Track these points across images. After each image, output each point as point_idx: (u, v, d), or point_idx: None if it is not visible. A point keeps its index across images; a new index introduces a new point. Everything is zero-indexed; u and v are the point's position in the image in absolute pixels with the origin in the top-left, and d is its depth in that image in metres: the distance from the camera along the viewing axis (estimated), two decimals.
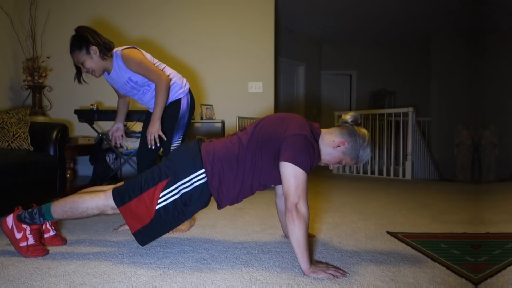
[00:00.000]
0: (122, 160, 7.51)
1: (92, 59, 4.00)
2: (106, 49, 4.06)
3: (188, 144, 3.49)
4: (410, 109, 10.31)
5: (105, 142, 7.47)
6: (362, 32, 14.29)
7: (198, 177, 3.24)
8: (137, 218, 3.26)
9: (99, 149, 7.63)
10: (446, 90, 14.06)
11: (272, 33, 8.69)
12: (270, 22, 8.70)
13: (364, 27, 13.74)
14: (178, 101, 4.36)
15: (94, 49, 3.97)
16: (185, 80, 4.53)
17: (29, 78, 7.59)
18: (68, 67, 6.64)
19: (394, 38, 14.98)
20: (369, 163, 11.50)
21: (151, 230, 3.29)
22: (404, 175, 10.49)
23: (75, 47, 3.99)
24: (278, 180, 3.26)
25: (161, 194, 3.22)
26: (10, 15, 7.73)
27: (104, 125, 8.21)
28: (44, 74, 7.74)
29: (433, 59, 14.53)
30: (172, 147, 4.29)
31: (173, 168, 3.28)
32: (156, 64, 4.27)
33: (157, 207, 3.22)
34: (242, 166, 3.24)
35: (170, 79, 4.22)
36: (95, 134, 7.56)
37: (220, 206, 3.40)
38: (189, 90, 4.53)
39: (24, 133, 5.34)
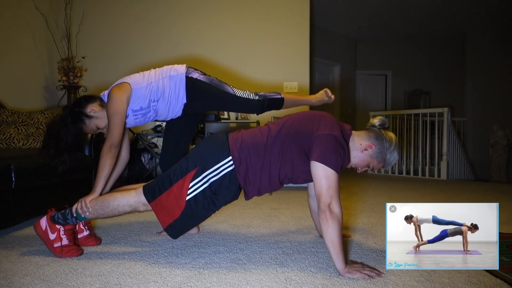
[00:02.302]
0: (157, 160, 7.54)
1: (98, 118, 3.80)
2: (100, 101, 3.86)
3: (216, 135, 3.50)
4: (446, 109, 10.26)
5: (140, 142, 7.51)
6: (397, 32, 14.23)
7: (226, 165, 3.25)
8: (168, 212, 3.30)
9: (134, 149, 7.67)
10: (481, 90, 13.96)
11: (307, 33, 8.66)
12: (305, 22, 8.67)
13: (399, 27, 13.68)
14: (191, 79, 3.96)
15: (90, 110, 3.76)
16: (180, 65, 4.09)
17: (64, 78, 7.61)
18: (103, 67, 6.67)
19: (429, 37, 14.90)
20: (405, 163, 11.49)
21: (182, 223, 3.33)
22: (439, 175, 10.46)
23: (81, 125, 3.79)
24: (303, 177, 3.33)
25: (190, 185, 3.24)
26: (45, 15, 7.81)
27: (139, 126, 8.23)
28: (79, 74, 7.74)
29: (468, 59, 14.41)
30: (239, 93, 4.02)
31: (201, 157, 3.30)
32: (147, 77, 3.93)
33: (187, 198, 3.24)
34: (268, 156, 3.25)
35: (115, 150, 3.62)
36: (131, 135, 7.59)
37: (247, 195, 3.41)
38: (188, 68, 4.08)
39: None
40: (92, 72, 8.28)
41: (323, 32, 13.33)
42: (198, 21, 8.69)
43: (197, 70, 4.11)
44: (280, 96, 3.97)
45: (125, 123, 3.77)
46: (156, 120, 4.13)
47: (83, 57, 8.26)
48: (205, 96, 4.00)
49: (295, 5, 8.63)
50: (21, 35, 7.34)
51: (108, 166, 3.57)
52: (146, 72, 4.00)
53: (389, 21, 13.05)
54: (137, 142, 7.62)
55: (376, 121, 3.47)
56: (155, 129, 7.75)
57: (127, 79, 3.84)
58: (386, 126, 3.47)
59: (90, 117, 3.76)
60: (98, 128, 3.84)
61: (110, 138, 3.58)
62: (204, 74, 4.07)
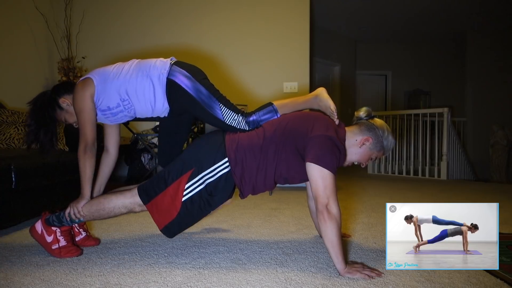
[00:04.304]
0: (157, 160, 7.53)
1: (68, 112, 3.67)
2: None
3: (212, 134, 3.49)
4: (445, 109, 10.25)
5: (140, 143, 7.50)
6: (397, 32, 14.26)
7: (222, 166, 3.26)
8: (164, 213, 3.29)
9: (134, 149, 7.66)
10: (481, 90, 14.00)
11: (307, 33, 8.66)
12: (305, 22, 8.66)
13: (399, 27, 13.70)
14: (173, 84, 3.44)
15: (63, 101, 3.64)
16: (164, 62, 3.54)
17: (64, 78, 7.60)
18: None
19: (429, 38, 14.93)
20: (405, 163, 11.48)
21: (178, 223, 3.32)
22: (439, 175, 10.45)
23: (53, 113, 3.67)
24: (299, 177, 3.33)
25: (186, 186, 3.24)
26: (45, 15, 7.82)
27: (139, 126, 8.25)
28: (79, 75, 7.72)
29: (468, 59, 14.44)
30: (229, 119, 3.47)
31: (197, 158, 3.30)
32: (119, 72, 3.52)
33: (183, 199, 3.24)
34: (264, 157, 3.25)
35: (90, 150, 3.46)
36: (131, 135, 7.60)
37: (242, 195, 3.41)
38: (174, 62, 3.56)
39: (59, 133, 5.36)
40: None
41: (323, 32, 13.33)
42: (199, 21, 8.69)
43: (184, 67, 3.52)
44: (275, 117, 3.65)
45: (96, 120, 3.56)
46: (139, 119, 3.97)
47: (83, 57, 8.26)
48: (190, 109, 3.57)
49: (295, 5, 8.63)
50: (21, 35, 7.34)
51: (89, 168, 3.46)
52: (120, 66, 3.60)
53: (389, 21, 13.06)
54: (137, 142, 7.61)
55: (361, 113, 3.49)
56: (155, 129, 7.74)
57: (94, 74, 3.56)
58: (372, 115, 3.50)
59: (60, 108, 3.65)
60: (66, 121, 3.73)
61: (83, 138, 3.44)
62: (192, 78, 3.48)
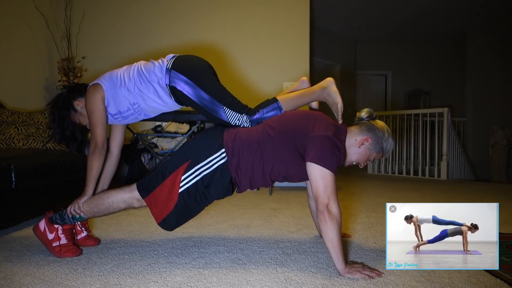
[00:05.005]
0: (157, 160, 7.53)
1: (82, 114, 3.73)
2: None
3: (211, 129, 3.50)
4: (445, 109, 10.25)
5: (141, 143, 7.49)
6: (397, 32, 14.25)
7: (218, 157, 3.25)
8: (162, 206, 3.31)
9: (134, 149, 7.65)
10: (481, 90, 14.00)
11: (307, 34, 8.64)
12: (305, 23, 8.65)
13: (399, 27, 13.70)
14: (176, 90, 3.45)
15: (77, 104, 3.70)
16: (160, 68, 3.50)
17: (64, 78, 7.54)
18: (103, 67, 6.66)
19: (429, 38, 14.92)
20: (405, 163, 11.48)
21: (175, 216, 3.33)
22: (439, 175, 10.46)
23: (67, 114, 3.72)
24: (298, 176, 3.32)
25: (183, 177, 3.25)
26: (45, 15, 7.79)
27: (139, 126, 8.24)
28: (79, 75, 7.69)
29: (468, 59, 14.42)
30: (234, 120, 3.44)
31: (194, 150, 3.31)
32: (125, 78, 3.54)
33: (180, 190, 3.25)
34: (261, 154, 3.24)
35: (99, 152, 3.52)
36: (131, 135, 7.59)
37: (239, 188, 3.39)
38: (172, 66, 3.46)
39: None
40: (92, 72, 8.15)
41: (323, 32, 13.33)
42: (199, 21, 8.67)
43: (183, 71, 3.45)
44: (279, 113, 3.56)
45: (106, 122, 3.62)
46: (147, 120, 4.00)
47: (83, 57, 8.22)
48: (195, 109, 3.59)
49: (295, 5, 8.62)
50: (21, 35, 7.33)
51: (96, 167, 3.54)
52: (126, 71, 3.61)
53: (389, 21, 13.06)
54: (137, 142, 7.60)
55: (363, 114, 3.50)
56: (155, 129, 7.73)
57: (102, 80, 3.60)
58: (374, 116, 3.51)
59: (75, 110, 3.70)
60: (80, 122, 3.78)
61: (93, 139, 3.53)
62: (193, 83, 3.43)
